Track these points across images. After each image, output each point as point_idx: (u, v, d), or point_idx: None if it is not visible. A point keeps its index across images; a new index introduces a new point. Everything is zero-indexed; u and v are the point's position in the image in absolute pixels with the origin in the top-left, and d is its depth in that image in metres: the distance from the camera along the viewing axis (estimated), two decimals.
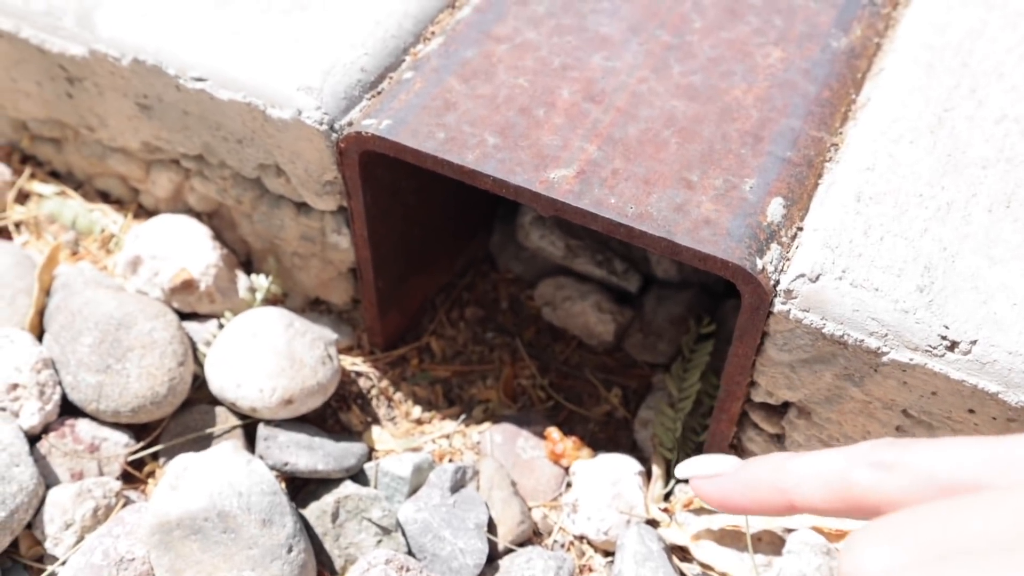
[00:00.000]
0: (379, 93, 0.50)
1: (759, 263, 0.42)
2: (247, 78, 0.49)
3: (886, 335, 0.42)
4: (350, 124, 0.48)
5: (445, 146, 0.46)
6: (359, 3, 0.52)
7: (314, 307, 0.60)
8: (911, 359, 0.41)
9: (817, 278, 0.42)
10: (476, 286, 0.64)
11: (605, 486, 0.52)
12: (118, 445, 0.51)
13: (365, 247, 0.52)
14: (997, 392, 0.40)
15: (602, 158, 0.46)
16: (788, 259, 0.43)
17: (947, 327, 0.40)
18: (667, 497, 0.53)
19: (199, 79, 0.49)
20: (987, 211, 0.44)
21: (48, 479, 0.49)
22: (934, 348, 0.40)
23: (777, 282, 0.43)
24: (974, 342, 0.40)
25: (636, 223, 0.43)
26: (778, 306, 0.43)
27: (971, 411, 0.41)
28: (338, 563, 0.50)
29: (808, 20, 0.52)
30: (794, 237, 0.44)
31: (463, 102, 0.48)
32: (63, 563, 0.47)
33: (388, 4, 0.52)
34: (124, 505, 0.49)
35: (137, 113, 0.54)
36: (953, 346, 0.40)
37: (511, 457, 0.55)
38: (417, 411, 0.58)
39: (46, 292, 0.55)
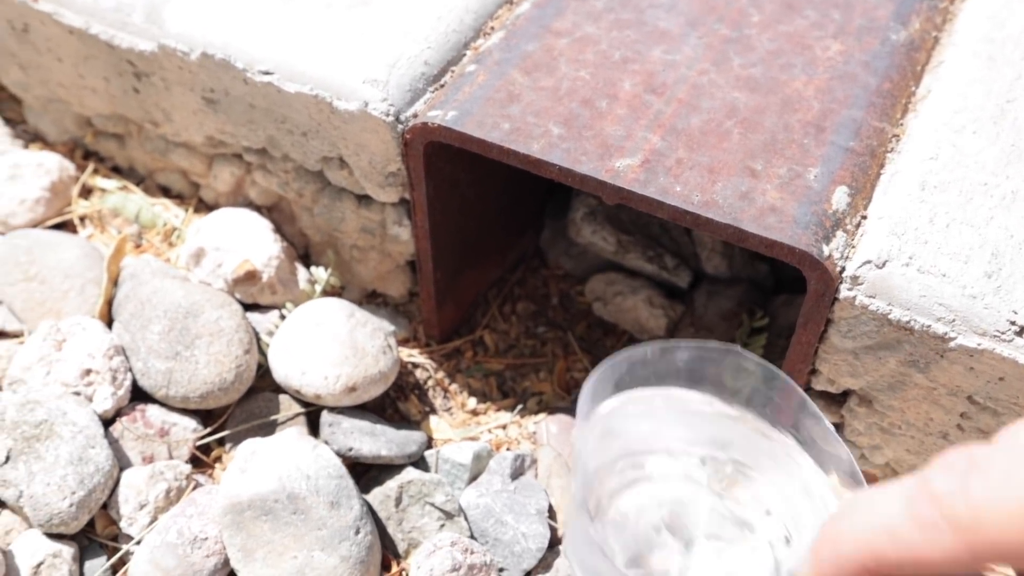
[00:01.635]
0: (442, 86, 0.51)
1: (825, 250, 0.43)
2: (314, 71, 0.50)
3: (953, 320, 0.42)
4: (415, 116, 0.49)
5: (511, 136, 0.47)
6: None
7: (371, 299, 0.61)
8: (979, 344, 0.41)
9: (884, 264, 0.43)
10: (527, 281, 0.65)
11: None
12: (186, 430, 0.52)
13: (426, 238, 0.53)
14: None
15: (666, 148, 0.46)
16: (853, 246, 0.44)
17: (1016, 312, 0.41)
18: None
19: (266, 72, 0.51)
20: None
21: (121, 462, 0.51)
22: (1002, 333, 0.41)
23: (843, 269, 0.43)
24: None
25: (703, 211, 0.44)
26: (844, 292, 0.43)
27: None
28: (401, 547, 0.51)
29: (866, 14, 0.53)
30: (858, 225, 0.45)
31: (526, 94, 0.49)
32: (138, 542, 0.49)
33: (449, 0, 0.53)
34: (194, 488, 0.51)
35: (203, 107, 0.55)
36: (1022, 331, 0.41)
37: (566, 447, 0.56)
38: (472, 402, 0.58)
39: (114, 282, 0.56)
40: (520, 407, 0.58)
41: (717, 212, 0.44)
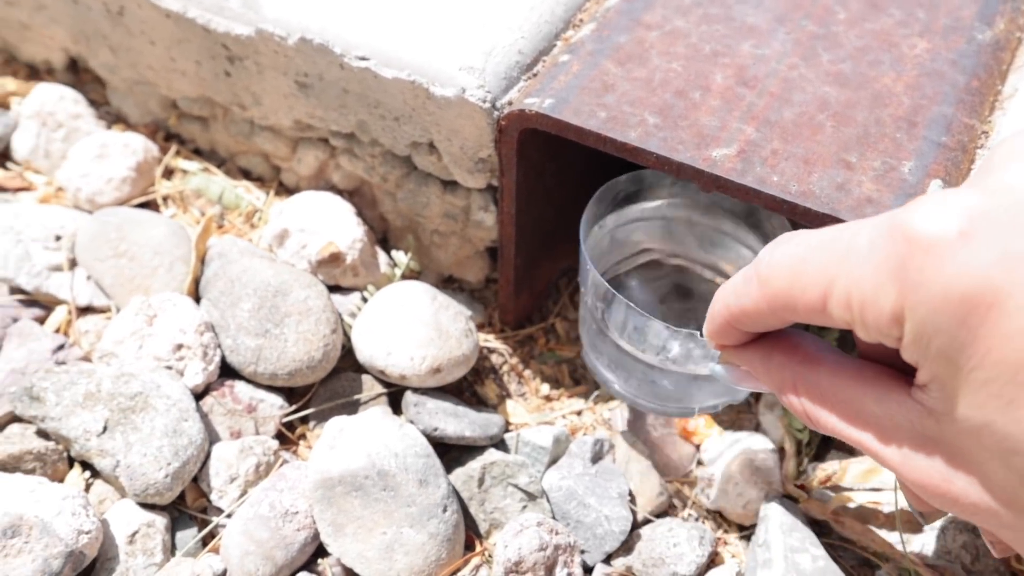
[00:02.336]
0: (535, 75, 0.52)
1: None
2: (410, 58, 0.51)
3: None
4: (510, 103, 0.50)
5: (607, 124, 0.48)
6: None
7: (447, 285, 0.62)
8: None
9: None
10: None
11: (740, 463, 0.53)
12: (273, 407, 0.53)
13: (511, 224, 0.54)
14: None
15: (761, 139, 0.47)
16: None
17: None
18: (800, 475, 0.54)
19: (363, 58, 0.52)
20: None
21: (210, 436, 0.51)
22: None
23: None
24: None
25: (801, 200, 0.45)
26: None
27: None
28: (483, 527, 0.52)
29: (951, 14, 0.54)
30: None
31: (620, 84, 0.50)
32: (229, 515, 0.50)
33: None
34: (281, 464, 0.51)
35: (294, 91, 0.56)
36: None
37: (642, 434, 0.57)
38: (546, 388, 0.59)
39: (201, 261, 0.57)
40: (595, 394, 0.59)
41: (815, 202, 0.45)
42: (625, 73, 0.50)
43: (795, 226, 0.60)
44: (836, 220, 0.44)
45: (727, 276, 0.57)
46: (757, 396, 0.59)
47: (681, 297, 0.59)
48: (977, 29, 0.53)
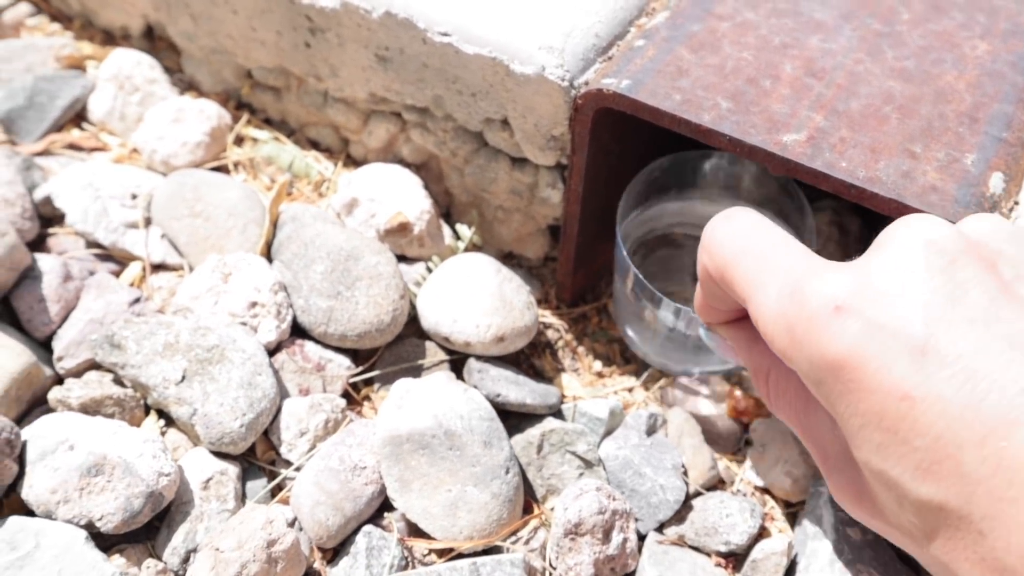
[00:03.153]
0: (610, 58, 0.54)
1: None
2: (491, 36, 0.53)
3: None
4: (587, 83, 0.52)
5: (682, 107, 0.50)
6: None
7: (506, 260, 0.63)
8: None
9: None
10: None
11: (790, 440, 0.55)
12: (340, 367, 0.55)
13: (577, 202, 0.56)
14: None
15: (829, 127, 0.49)
16: None
17: None
18: None
19: (445, 34, 0.54)
20: None
21: (281, 391, 0.53)
22: None
23: None
24: None
25: (868, 185, 0.47)
26: None
27: None
28: (539, 492, 0.53)
29: (1010, 19, 0.56)
30: (1011, 209, 0.48)
31: (694, 70, 0.52)
32: (298, 468, 0.51)
33: None
34: (348, 421, 0.53)
35: (373, 64, 0.58)
36: None
37: (692, 412, 0.58)
38: (598, 365, 0.61)
39: (274, 224, 0.59)
40: (646, 372, 0.60)
41: (882, 187, 0.47)
42: (698, 60, 0.52)
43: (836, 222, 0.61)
44: (902, 205, 0.46)
45: None
46: None
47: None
48: None
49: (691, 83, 0.51)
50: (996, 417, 0.28)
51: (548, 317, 0.62)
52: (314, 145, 0.66)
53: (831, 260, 0.36)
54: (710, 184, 0.63)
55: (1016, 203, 0.48)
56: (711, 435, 0.57)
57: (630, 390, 0.60)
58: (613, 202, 0.62)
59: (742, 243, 0.38)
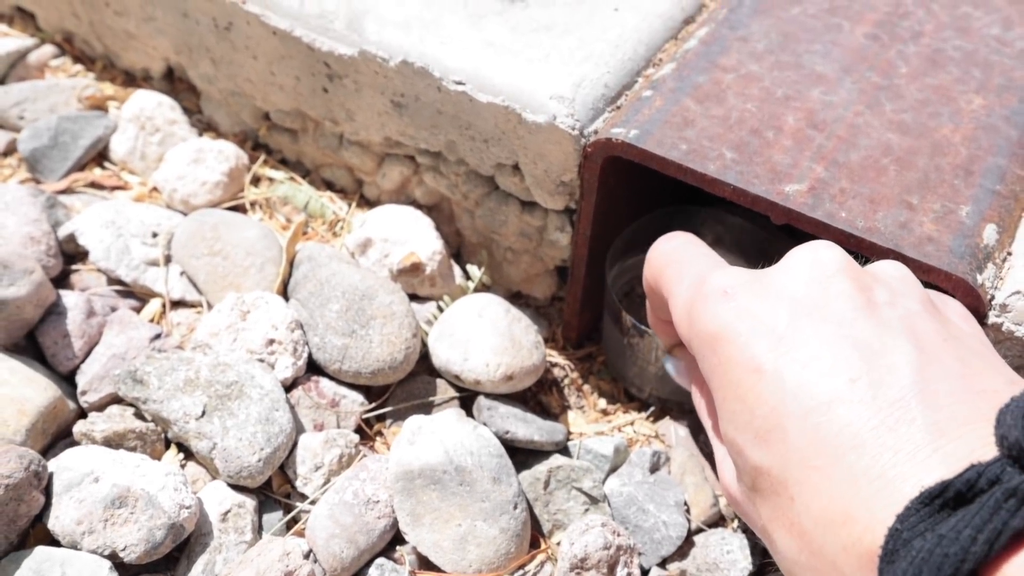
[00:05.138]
0: (618, 108, 0.56)
1: (979, 279, 0.47)
2: (504, 85, 0.55)
3: None
4: (595, 132, 0.54)
5: (688, 156, 0.52)
6: (597, 27, 0.59)
7: (514, 300, 0.65)
8: None
9: None
10: None
11: None
12: (354, 403, 0.56)
13: (584, 245, 0.58)
14: None
15: (829, 178, 0.51)
16: (1001, 278, 0.48)
17: None
18: None
19: (459, 83, 0.56)
20: None
21: (297, 426, 0.55)
22: None
23: (992, 297, 0.48)
24: None
25: (867, 235, 0.48)
26: (992, 319, 0.47)
27: None
28: (546, 527, 0.55)
29: (1004, 74, 0.58)
30: (1004, 260, 0.49)
31: (700, 120, 0.54)
32: (312, 501, 0.52)
33: (624, 31, 0.59)
34: (362, 456, 0.55)
35: (389, 110, 0.60)
36: None
37: (696, 447, 0.60)
38: (603, 403, 0.62)
39: (290, 263, 0.61)
40: (649, 410, 0.62)
41: (880, 237, 0.48)
42: (704, 111, 0.55)
43: None
44: (900, 255, 0.48)
45: None
46: None
47: None
48: None
49: (697, 133, 0.53)
50: (822, 396, 0.33)
51: (555, 356, 0.63)
52: (329, 186, 0.68)
53: None
54: (705, 235, 0.65)
55: (1009, 253, 0.50)
56: (713, 471, 0.59)
57: (632, 423, 0.61)
58: None
59: (672, 255, 0.45)
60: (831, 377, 0.33)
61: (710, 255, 0.45)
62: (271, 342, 0.56)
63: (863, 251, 0.49)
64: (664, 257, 0.45)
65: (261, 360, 0.55)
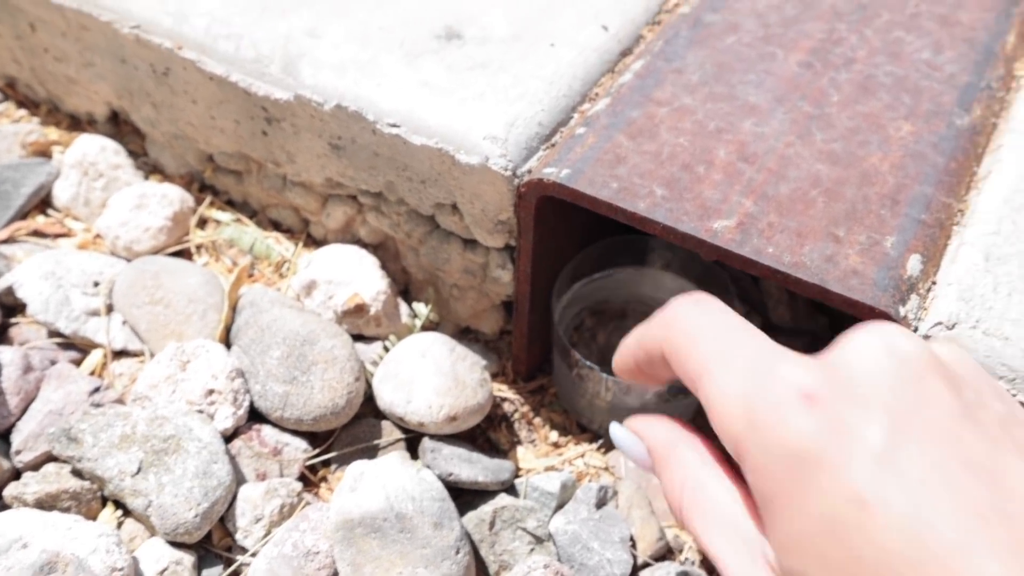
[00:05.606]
0: (553, 145, 0.56)
1: (902, 311, 0.48)
2: (438, 126, 0.55)
3: (1014, 379, 0.47)
4: (529, 171, 0.54)
5: (619, 195, 0.52)
6: (532, 64, 0.59)
7: (464, 335, 0.65)
8: None
9: (953, 327, 0.48)
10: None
11: None
12: (297, 450, 0.56)
13: (526, 282, 0.58)
14: None
15: (758, 212, 0.52)
16: (925, 309, 0.49)
17: None
18: None
19: (394, 125, 0.56)
20: None
21: (237, 477, 0.54)
22: None
23: (916, 328, 0.48)
24: None
25: (792, 271, 0.49)
26: None
27: None
28: (492, 568, 0.55)
29: (934, 99, 0.58)
30: (929, 290, 0.50)
31: (631, 157, 0.54)
32: (253, 554, 0.52)
33: (559, 67, 0.59)
34: (304, 505, 0.54)
35: (328, 152, 0.60)
36: None
37: (643, 480, 0.60)
38: (554, 435, 0.63)
39: (233, 309, 0.60)
40: (599, 442, 0.62)
41: (806, 272, 0.49)
42: (636, 146, 0.55)
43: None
44: (825, 290, 0.48)
45: None
46: None
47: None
48: (956, 115, 0.58)
49: (628, 170, 0.54)
50: (950, 539, 0.28)
51: (505, 391, 0.63)
52: (276, 225, 0.68)
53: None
54: (654, 261, 0.66)
55: (934, 283, 0.50)
56: (661, 503, 0.59)
57: (583, 455, 0.61)
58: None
59: (705, 322, 0.37)
60: (955, 514, 0.28)
61: (754, 331, 0.37)
62: (211, 392, 0.55)
63: (790, 286, 0.50)
64: (695, 328, 0.37)
65: (200, 411, 0.55)
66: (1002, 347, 0.48)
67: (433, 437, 0.57)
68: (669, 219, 0.52)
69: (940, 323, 0.48)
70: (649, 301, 0.68)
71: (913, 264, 0.51)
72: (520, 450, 0.61)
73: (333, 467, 0.57)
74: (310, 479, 0.57)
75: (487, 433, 0.61)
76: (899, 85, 0.60)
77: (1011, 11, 0.65)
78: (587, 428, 0.63)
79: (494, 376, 0.64)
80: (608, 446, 0.62)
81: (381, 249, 0.65)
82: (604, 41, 0.61)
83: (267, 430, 0.56)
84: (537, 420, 0.63)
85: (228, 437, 0.56)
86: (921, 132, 0.57)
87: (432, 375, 0.57)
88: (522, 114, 0.56)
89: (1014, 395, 0.47)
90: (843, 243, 0.51)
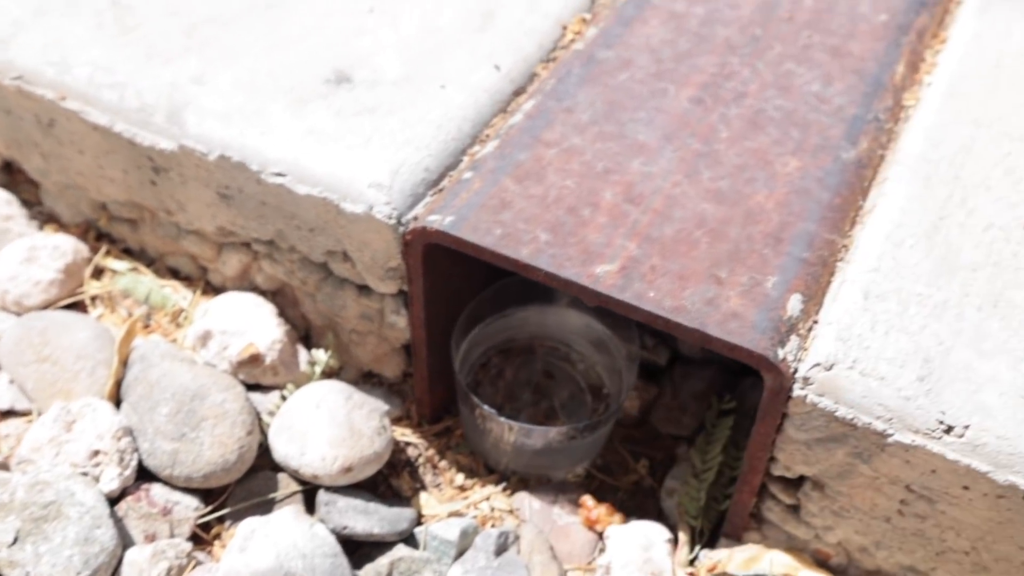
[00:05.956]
0: (441, 190, 0.56)
1: (780, 353, 0.48)
2: (323, 175, 0.55)
3: (891, 419, 0.47)
4: (415, 219, 0.54)
5: (502, 241, 0.52)
6: (422, 107, 0.58)
7: (367, 379, 0.65)
8: (912, 441, 0.46)
9: (831, 367, 0.48)
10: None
11: (636, 551, 0.56)
12: (188, 509, 0.55)
13: (421, 327, 0.58)
14: (988, 472, 0.45)
15: (642, 255, 0.52)
16: (805, 349, 0.49)
17: (943, 413, 0.46)
18: (692, 562, 0.57)
19: (279, 175, 0.55)
20: (977, 309, 0.50)
21: (124, 540, 0.53)
22: (932, 432, 0.46)
23: (796, 370, 0.48)
24: (967, 427, 0.45)
25: (672, 315, 0.49)
26: (796, 391, 0.48)
27: (966, 487, 0.46)
28: None
29: (821, 133, 0.59)
30: (810, 329, 0.50)
31: (517, 201, 0.54)
32: None
33: (448, 110, 0.59)
34: (194, 566, 0.53)
35: (216, 201, 0.59)
36: (949, 430, 0.46)
37: (548, 523, 0.59)
38: (460, 478, 0.62)
39: (124, 364, 0.59)
40: (504, 483, 0.62)
41: (686, 317, 0.49)
42: (522, 190, 0.55)
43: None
44: (705, 335, 0.48)
45: (581, 354, 0.68)
46: (660, 481, 0.63)
47: (547, 377, 0.68)
48: (843, 148, 0.58)
49: (513, 216, 0.53)
50: None
51: (409, 435, 0.63)
52: (174, 273, 0.67)
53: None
54: (560, 297, 0.66)
55: (816, 322, 0.50)
56: (566, 545, 0.59)
57: (488, 498, 0.61)
58: None
59: None
60: None
61: None
62: (96, 453, 0.54)
63: (671, 331, 0.50)
64: None
65: (85, 473, 0.54)
66: (878, 387, 0.48)
67: (329, 489, 0.57)
68: (552, 265, 0.51)
69: (818, 364, 0.48)
70: (555, 338, 0.68)
71: (794, 304, 0.51)
72: (424, 496, 0.60)
73: (227, 523, 0.56)
74: (203, 537, 0.56)
75: (389, 480, 0.60)
76: (788, 119, 0.60)
77: (901, 40, 0.65)
78: (494, 469, 0.63)
79: (398, 420, 0.63)
80: (514, 487, 0.62)
81: (280, 295, 0.64)
82: (496, 81, 0.61)
83: (157, 489, 0.55)
84: (443, 463, 0.62)
85: (115, 499, 0.54)
86: (807, 167, 0.57)
87: (326, 426, 0.56)
88: (408, 160, 0.56)
89: (890, 434, 0.48)
90: (725, 285, 0.51)
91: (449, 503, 0.60)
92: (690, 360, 0.69)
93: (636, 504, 0.62)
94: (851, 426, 0.47)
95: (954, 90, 0.62)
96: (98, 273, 0.66)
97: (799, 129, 0.59)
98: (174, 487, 0.56)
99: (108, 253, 0.67)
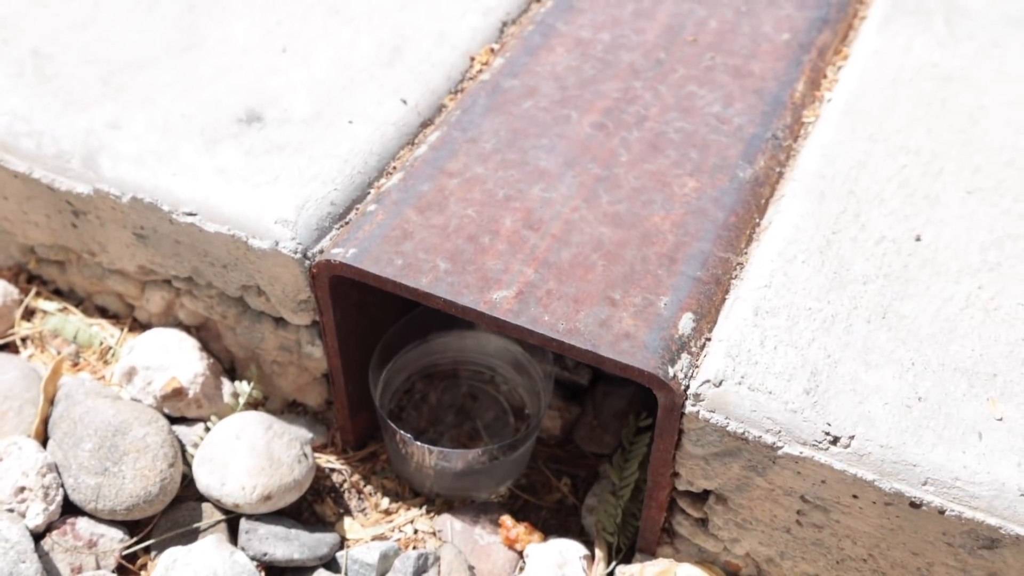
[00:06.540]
0: (347, 223, 0.57)
1: (671, 371, 0.49)
2: (232, 212, 0.56)
3: (779, 432, 0.48)
4: (321, 252, 0.55)
5: (403, 272, 0.53)
6: (329, 143, 0.60)
7: (291, 408, 0.66)
8: (801, 452, 0.47)
9: (720, 383, 0.49)
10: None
11: (553, 568, 0.57)
12: (113, 540, 0.57)
13: (336, 356, 0.59)
14: (873, 480, 0.46)
15: (538, 280, 0.53)
16: (697, 367, 0.50)
17: (829, 424, 0.47)
18: None
19: (190, 214, 0.57)
20: (866, 322, 0.51)
21: (51, 574, 0.55)
22: (819, 443, 0.47)
23: (687, 387, 0.49)
24: (852, 437, 0.47)
25: (566, 338, 0.50)
26: (688, 408, 0.49)
27: (855, 496, 0.47)
28: None
29: (719, 153, 0.60)
30: (703, 347, 0.51)
31: (419, 231, 0.55)
32: None
33: (355, 144, 0.60)
34: None
35: (134, 242, 0.61)
36: (835, 441, 0.47)
37: (469, 543, 0.61)
38: (385, 502, 0.63)
39: (50, 402, 0.61)
40: (428, 506, 0.63)
41: (579, 339, 0.50)
42: (424, 221, 0.56)
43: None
44: (597, 356, 0.49)
45: (504, 377, 0.69)
46: (583, 498, 0.64)
47: (471, 400, 0.69)
48: (740, 167, 0.60)
49: (414, 246, 0.55)
50: None
51: (333, 462, 0.64)
52: (103, 312, 0.69)
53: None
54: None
55: (708, 340, 0.52)
56: (487, 565, 0.60)
57: (412, 522, 0.62)
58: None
59: None
60: None
61: None
62: (21, 489, 0.56)
63: (565, 353, 0.51)
64: None
65: (11, 510, 0.55)
66: (766, 401, 0.50)
67: (251, 517, 0.58)
68: (450, 293, 0.53)
69: (708, 381, 0.50)
70: (478, 362, 0.70)
71: (685, 323, 0.52)
72: (348, 521, 0.62)
73: (153, 554, 0.58)
74: (129, 568, 0.57)
75: (313, 506, 0.62)
76: (688, 141, 0.62)
77: (802, 59, 0.67)
78: (419, 492, 0.64)
79: (323, 447, 0.64)
80: (439, 509, 0.63)
81: (203, 330, 0.65)
82: (403, 115, 0.63)
83: (82, 523, 0.57)
84: (368, 488, 0.64)
85: (40, 534, 0.56)
86: (704, 187, 0.59)
87: (245, 456, 0.57)
88: (314, 195, 0.57)
89: (780, 447, 0.49)
90: (619, 306, 0.53)
91: (373, 527, 0.62)
92: (611, 379, 0.70)
93: (559, 522, 0.63)
94: (743, 440, 0.49)
95: (852, 106, 0.63)
96: (29, 314, 0.68)
97: (698, 150, 0.61)
98: (99, 520, 0.57)
99: (38, 294, 0.69)
